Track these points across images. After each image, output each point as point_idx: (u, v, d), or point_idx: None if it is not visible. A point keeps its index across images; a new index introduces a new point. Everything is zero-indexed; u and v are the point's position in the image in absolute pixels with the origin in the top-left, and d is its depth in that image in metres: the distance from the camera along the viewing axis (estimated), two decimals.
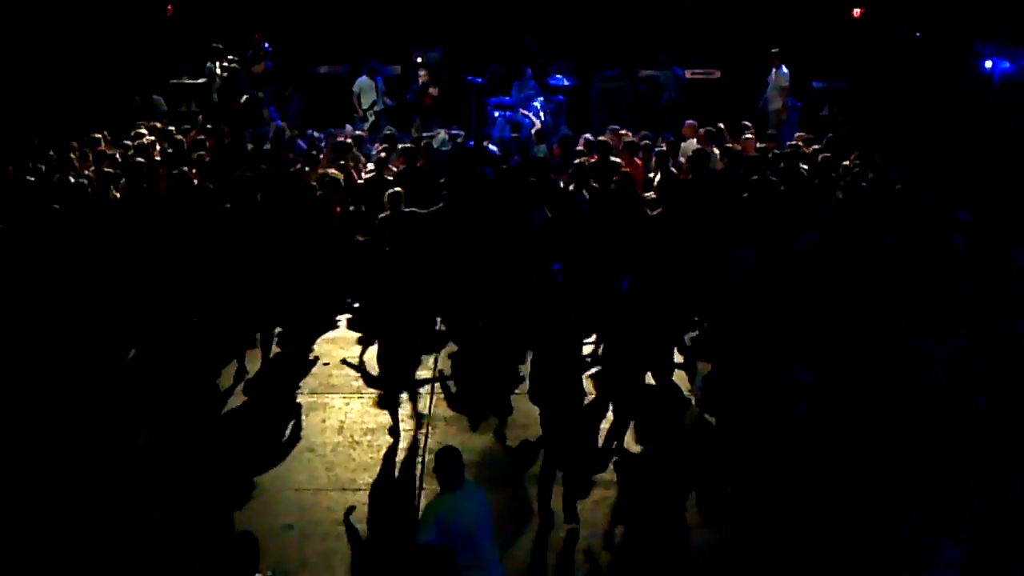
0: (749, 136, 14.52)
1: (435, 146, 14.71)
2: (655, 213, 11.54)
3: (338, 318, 12.26)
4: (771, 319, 9.60)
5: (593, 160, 13.09)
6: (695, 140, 14.52)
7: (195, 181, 12.33)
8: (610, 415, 9.75)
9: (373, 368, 11.03)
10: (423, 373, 11.01)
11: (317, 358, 11.33)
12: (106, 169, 12.81)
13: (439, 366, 11.20)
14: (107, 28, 18.16)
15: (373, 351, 11.34)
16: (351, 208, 12.62)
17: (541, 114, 17.44)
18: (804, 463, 8.40)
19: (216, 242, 10.96)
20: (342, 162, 13.32)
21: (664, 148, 13.63)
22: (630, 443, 9.47)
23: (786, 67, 17.25)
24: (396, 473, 9.20)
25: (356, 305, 12.53)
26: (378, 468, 9.24)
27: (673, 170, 12.92)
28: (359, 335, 11.86)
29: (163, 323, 10.47)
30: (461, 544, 6.39)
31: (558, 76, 18.62)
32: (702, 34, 19.36)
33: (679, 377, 10.61)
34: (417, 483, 9.02)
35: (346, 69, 18.89)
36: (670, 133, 15.67)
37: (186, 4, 19.13)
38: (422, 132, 16.24)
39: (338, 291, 12.44)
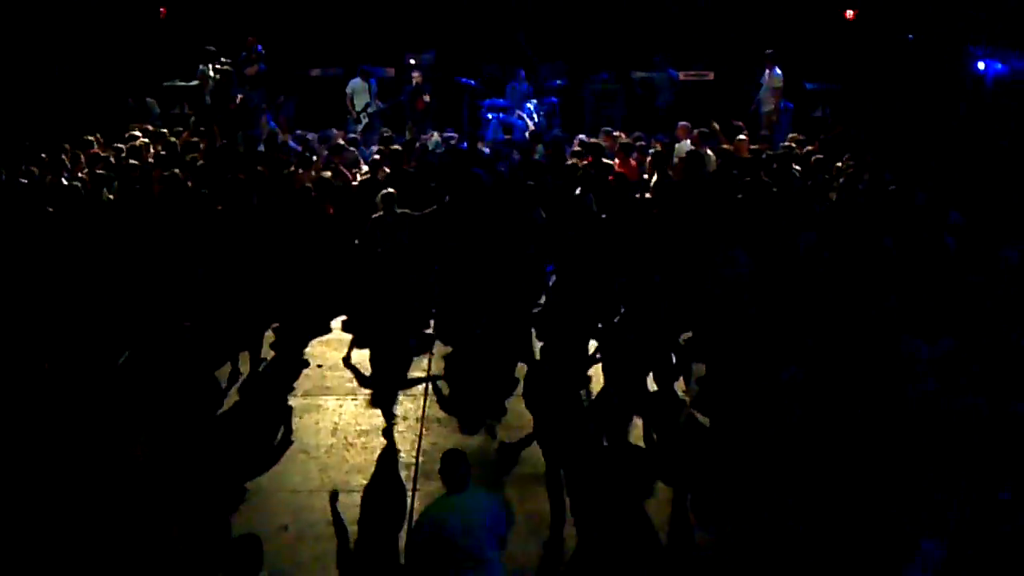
0: (742, 137, 14.55)
1: (429, 148, 14.74)
2: (651, 214, 11.56)
3: (332, 323, 12.23)
4: (766, 320, 9.61)
5: (586, 162, 13.11)
6: (689, 141, 14.54)
7: (188, 183, 12.31)
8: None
9: (367, 369, 11.01)
10: (417, 374, 11.01)
11: (308, 361, 11.31)
12: (99, 171, 12.79)
13: (432, 368, 11.19)
14: (100, 30, 18.13)
15: (367, 352, 11.33)
16: (345, 210, 12.60)
17: (534, 115, 17.46)
18: (797, 464, 8.42)
19: (209, 244, 10.95)
20: (334, 164, 13.31)
21: (660, 150, 13.65)
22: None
23: (779, 68, 17.28)
24: (390, 475, 9.19)
25: (350, 307, 12.51)
26: (372, 470, 9.24)
27: (670, 172, 12.94)
28: (353, 337, 11.84)
29: (156, 326, 10.49)
30: (455, 546, 6.36)
31: (552, 80, 18.66)
32: (696, 36, 19.38)
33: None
34: (411, 485, 9.01)
35: (339, 71, 18.90)
36: (663, 135, 15.70)
37: (179, 6, 19.12)
38: (416, 134, 16.26)
39: (332, 293, 12.42)
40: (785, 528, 8.01)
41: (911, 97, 17.37)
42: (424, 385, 10.76)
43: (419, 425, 10.00)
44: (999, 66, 16.93)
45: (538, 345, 11.19)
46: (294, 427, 9.94)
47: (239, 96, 16.68)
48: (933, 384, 8.40)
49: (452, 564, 6.40)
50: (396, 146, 13.56)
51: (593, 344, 10.93)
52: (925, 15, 18.04)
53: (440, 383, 10.85)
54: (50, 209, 11.46)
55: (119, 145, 14.37)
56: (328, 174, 12.63)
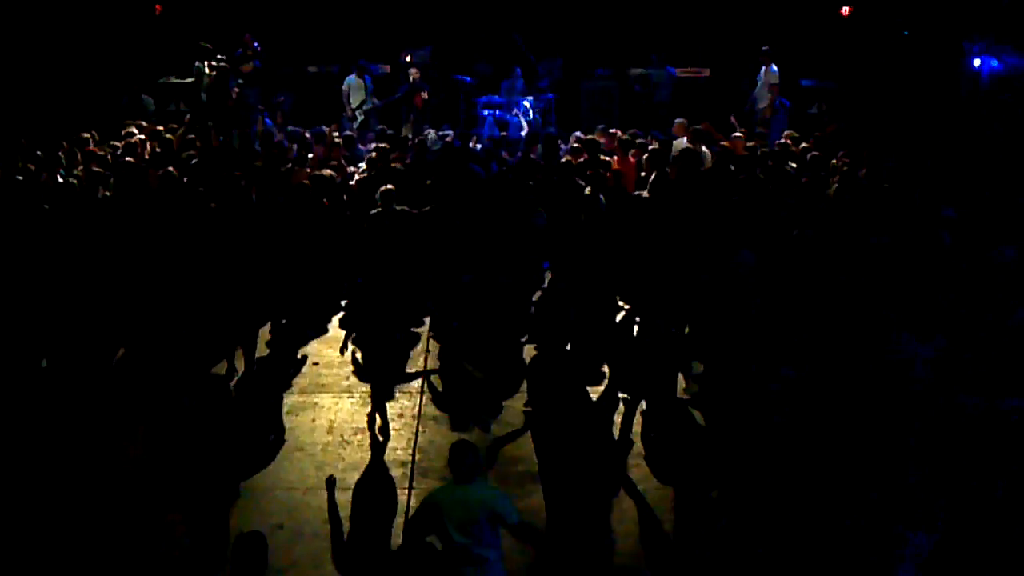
0: (738, 134, 14.55)
1: (427, 145, 14.74)
2: (647, 211, 11.56)
3: (330, 321, 12.22)
4: (765, 318, 9.62)
5: (582, 159, 13.11)
6: (685, 139, 14.55)
7: (184, 180, 12.30)
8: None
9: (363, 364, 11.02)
10: (412, 371, 11.03)
11: (306, 357, 11.31)
12: (95, 169, 12.78)
13: (428, 365, 11.20)
14: (95, 27, 18.11)
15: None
16: (342, 207, 12.59)
17: (530, 113, 17.46)
18: (793, 460, 8.44)
19: (205, 241, 10.94)
20: (334, 162, 13.30)
21: (658, 147, 13.65)
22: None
23: (775, 65, 17.28)
24: (386, 472, 9.19)
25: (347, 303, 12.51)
26: (368, 468, 9.24)
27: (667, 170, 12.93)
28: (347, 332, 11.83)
29: (151, 323, 10.50)
30: (451, 539, 6.41)
31: (543, 80, 18.66)
32: (692, 33, 19.39)
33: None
34: (407, 483, 9.01)
35: (335, 68, 18.90)
36: (659, 132, 15.72)
37: (174, 3, 19.10)
38: (414, 132, 16.25)
39: (329, 291, 12.41)
40: (777, 522, 8.04)
41: (907, 94, 17.38)
42: (420, 382, 10.76)
43: (415, 423, 9.99)
44: (994, 63, 16.95)
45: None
46: (290, 424, 9.93)
47: (234, 92, 16.66)
48: (927, 381, 8.42)
49: (449, 555, 6.46)
50: (384, 144, 13.49)
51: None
52: (920, 12, 18.06)
53: (434, 379, 10.85)
54: (46, 206, 11.44)
55: (115, 142, 14.35)
56: (328, 172, 12.59)
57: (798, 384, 8.76)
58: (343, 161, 13.75)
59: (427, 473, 9.11)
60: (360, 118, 17.45)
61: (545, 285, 12.21)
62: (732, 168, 12.84)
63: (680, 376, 10.37)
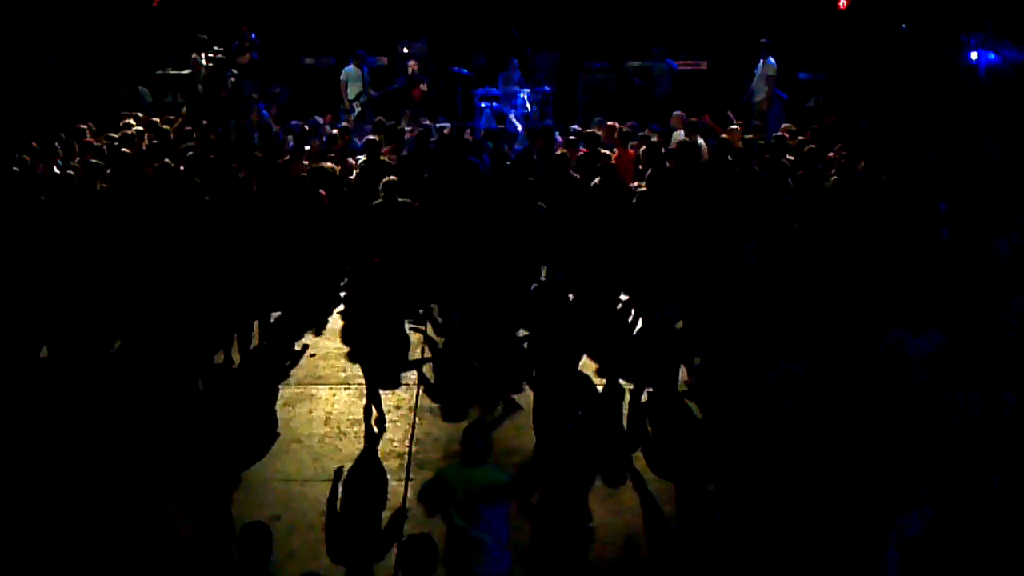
0: (735, 127, 14.54)
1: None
2: (642, 204, 11.57)
3: (327, 316, 12.21)
4: (764, 310, 9.64)
5: (580, 152, 13.11)
6: (683, 131, 14.55)
7: (181, 172, 12.30)
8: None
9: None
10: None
11: (306, 346, 11.31)
12: (92, 160, 12.76)
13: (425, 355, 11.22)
14: (92, 18, 18.07)
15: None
16: (341, 198, 12.57)
17: (528, 105, 17.44)
18: (790, 453, 8.46)
19: (203, 233, 10.94)
20: (332, 154, 13.27)
21: (657, 140, 13.65)
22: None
23: (773, 58, 17.27)
24: (383, 464, 9.20)
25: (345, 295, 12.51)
26: (365, 459, 9.25)
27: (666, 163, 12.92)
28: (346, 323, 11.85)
29: (149, 316, 10.49)
30: (453, 522, 6.54)
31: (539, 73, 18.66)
32: (690, 25, 19.36)
33: None
34: (404, 474, 9.02)
35: (332, 60, 18.88)
36: (657, 124, 15.71)
37: None
38: (410, 124, 16.22)
39: (328, 283, 12.40)
40: (773, 514, 8.08)
41: (904, 87, 17.37)
42: (417, 374, 10.77)
43: (412, 414, 10.00)
44: (992, 56, 16.95)
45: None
46: (287, 416, 9.94)
47: (230, 84, 16.67)
48: (923, 376, 8.44)
49: (449, 536, 6.58)
50: (374, 136, 13.47)
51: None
52: (918, 5, 18.05)
53: (426, 370, 10.85)
54: (42, 198, 11.43)
55: (112, 134, 14.33)
56: (329, 165, 12.55)
57: (799, 378, 8.76)
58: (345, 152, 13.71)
59: (424, 465, 9.12)
60: (357, 110, 17.43)
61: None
62: (729, 160, 12.83)
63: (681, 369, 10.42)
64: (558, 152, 13.06)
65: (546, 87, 18.14)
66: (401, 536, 8.07)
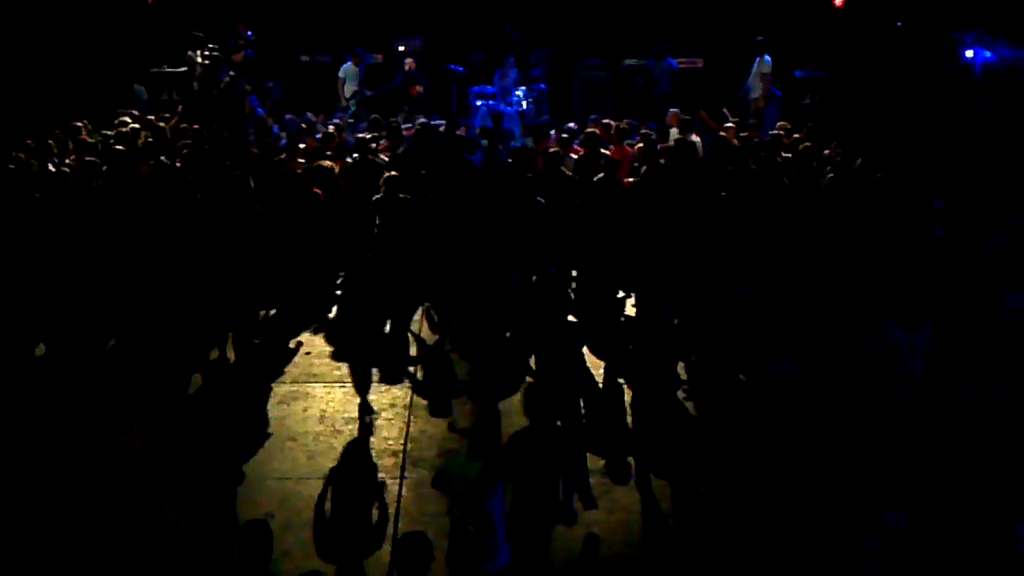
0: (730, 125, 14.54)
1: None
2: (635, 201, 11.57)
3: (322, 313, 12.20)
4: (760, 307, 9.64)
5: (575, 150, 13.12)
6: (677, 129, 14.55)
7: (177, 169, 12.28)
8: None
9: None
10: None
11: (300, 343, 11.30)
12: (87, 158, 12.73)
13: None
14: (87, 15, 18.04)
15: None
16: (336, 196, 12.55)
17: (523, 103, 17.43)
18: (786, 453, 8.48)
19: (196, 230, 10.93)
20: (330, 152, 13.25)
21: (652, 137, 13.65)
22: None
23: (769, 56, 17.27)
24: (378, 461, 9.20)
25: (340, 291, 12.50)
26: (360, 457, 9.25)
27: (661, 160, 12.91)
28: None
29: (144, 313, 10.49)
30: (454, 509, 6.65)
31: (536, 70, 18.63)
32: (685, 23, 19.36)
33: None
34: (399, 472, 9.02)
35: (327, 58, 18.87)
36: (654, 123, 15.71)
37: None
38: (406, 122, 16.21)
39: (323, 281, 12.39)
40: (765, 510, 8.10)
41: (900, 85, 17.38)
42: (412, 371, 10.77)
43: (407, 412, 10.00)
44: (987, 54, 16.95)
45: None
46: (281, 414, 9.94)
47: (225, 82, 16.66)
48: (916, 372, 8.46)
49: (454, 530, 6.69)
50: (364, 134, 13.47)
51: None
52: (914, 3, 18.05)
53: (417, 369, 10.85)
54: (38, 195, 11.42)
55: (107, 132, 14.31)
56: (327, 163, 12.52)
57: (796, 376, 8.78)
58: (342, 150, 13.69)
59: (418, 462, 9.12)
60: (352, 108, 17.42)
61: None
62: (724, 158, 12.83)
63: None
64: (551, 150, 13.02)
65: (542, 85, 18.13)
66: (395, 534, 8.07)
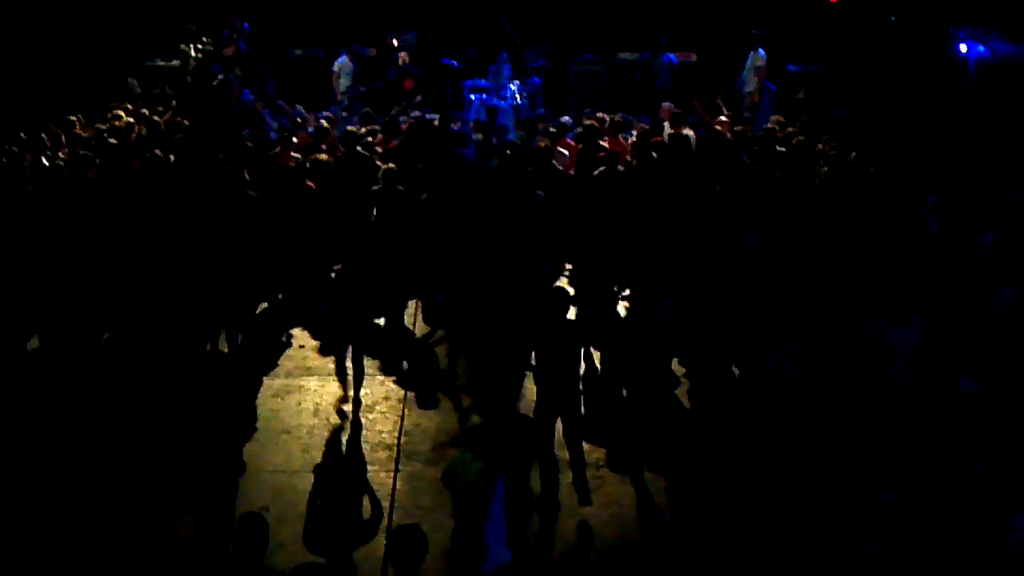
0: (724, 119, 14.55)
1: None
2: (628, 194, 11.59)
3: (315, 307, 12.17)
4: (755, 301, 9.65)
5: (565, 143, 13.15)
6: (668, 123, 14.54)
7: (171, 163, 12.27)
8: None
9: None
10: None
11: (291, 336, 11.29)
12: (81, 152, 12.70)
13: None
14: (81, 9, 17.99)
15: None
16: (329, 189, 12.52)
17: (517, 97, 17.41)
18: (780, 446, 8.49)
19: (189, 224, 10.91)
20: (324, 146, 13.23)
21: (647, 131, 13.67)
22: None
23: (763, 50, 17.28)
24: (372, 455, 9.20)
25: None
26: (354, 450, 9.25)
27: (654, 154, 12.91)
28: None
29: (137, 307, 10.47)
30: (455, 508, 6.68)
31: (534, 61, 18.60)
32: (680, 17, 19.34)
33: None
34: (393, 465, 9.03)
35: (320, 52, 18.85)
36: (647, 117, 15.73)
37: None
38: (402, 116, 16.19)
39: (317, 274, 12.37)
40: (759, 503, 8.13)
41: (893, 80, 17.39)
42: (406, 366, 10.77)
43: (401, 406, 10.01)
44: (981, 49, 16.95)
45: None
46: (276, 407, 9.94)
47: (218, 77, 16.64)
48: (907, 366, 8.49)
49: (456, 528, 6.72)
50: (352, 128, 13.47)
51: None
52: None
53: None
54: (29, 189, 11.40)
55: (100, 125, 14.27)
56: (324, 156, 12.49)
57: (789, 369, 8.80)
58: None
59: (412, 456, 9.14)
60: (346, 102, 17.41)
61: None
62: (717, 152, 12.85)
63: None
64: (541, 144, 13.02)
65: (536, 79, 18.11)
66: (389, 527, 8.08)
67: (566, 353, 8.38)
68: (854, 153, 12.94)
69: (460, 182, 12.30)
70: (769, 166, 12.44)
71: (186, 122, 14.58)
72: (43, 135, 13.21)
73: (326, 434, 9.49)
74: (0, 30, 16.92)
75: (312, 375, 10.53)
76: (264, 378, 10.47)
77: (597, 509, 8.42)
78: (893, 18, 18.21)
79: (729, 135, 13.81)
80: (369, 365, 10.34)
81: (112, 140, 12.85)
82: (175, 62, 17.89)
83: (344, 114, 16.61)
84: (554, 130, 14.01)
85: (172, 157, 12.54)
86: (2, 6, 17.05)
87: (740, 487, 8.44)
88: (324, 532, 8.09)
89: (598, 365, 10.44)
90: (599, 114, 14.88)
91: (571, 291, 11.01)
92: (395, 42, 18.36)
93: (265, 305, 11.71)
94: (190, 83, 17.19)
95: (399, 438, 9.44)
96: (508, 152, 12.97)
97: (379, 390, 10.25)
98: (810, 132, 14.04)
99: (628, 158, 13.10)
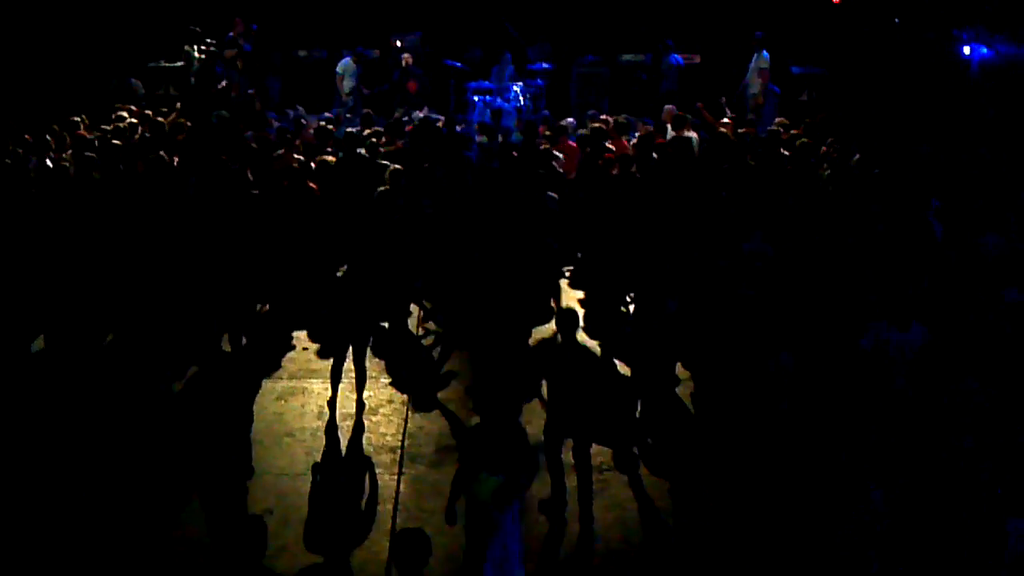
0: (727, 121, 14.54)
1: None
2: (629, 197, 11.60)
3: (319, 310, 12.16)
4: (758, 304, 9.65)
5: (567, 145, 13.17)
6: (671, 126, 14.53)
7: (174, 164, 12.28)
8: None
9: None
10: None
11: (290, 337, 11.29)
12: (86, 154, 12.71)
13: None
14: (84, 10, 18.00)
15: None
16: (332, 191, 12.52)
17: (521, 98, 17.41)
18: (783, 449, 8.50)
19: (193, 226, 10.92)
20: (329, 149, 13.24)
21: (649, 132, 13.66)
22: None
23: (767, 51, 17.27)
24: (376, 458, 9.20)
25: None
26: (357, 453, 9.25)
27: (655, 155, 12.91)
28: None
29: (140, 309, 10.48)
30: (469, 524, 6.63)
31: (538, 63, 18.61)
32: (683, 18, 19.33)
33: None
34: (396, 468, 9.03)
35: (323, 53, 18.85)
36: (650, 118, 15.72)
37: None
38: (406, 118, 16.20)
39: (321, 277, 12.37)
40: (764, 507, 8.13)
41: (897, 82, 17.38)
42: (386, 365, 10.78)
43: (405, 408, 10.01)
44: (985, 50, 16.94)
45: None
46: (280, 410, 9.94)
47: (224, 80, 16.66)
48: (909, 371, 8.48)
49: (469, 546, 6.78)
50: (351, 129, 13.50)
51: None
52: None
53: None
54: (33, 190, 11.41)
55: (105, 127, 14.29)
56: (331, 158, 12.49)
57: (792, 372, 8.80)
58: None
59: (416, 459, 9.14)
60: (351, 103, 17.41)
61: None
62: (721, 155, 12.85)
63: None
64: (542, 147, 13.02)
65: (539, 80, 18.12)
66: (393, 530, 8.09)
67: (578, 375, 8.28)
68: (858, 155, 12.94)
69: (464, 184, 12.31)
70: (773, 168, 12.44)
71: (189, 123, 14.60)
72: (47, 136, 13.22)
73: (330, 437, 9.48)
74: (4, 32, 16.93)
75: (316, 377, 10.52)
76: (268, 380, 10.46)
77: (601, 512, 8.41)
78: (897, 20, 18.20)
79: (732, 137, 13.80)
80: (372, 368, 10.35)
81: (116, 141, 12.85)
82: (179, 63, 17.90)
83: (348, 115, 16.60)
84: (549, 132, 14.01)
85: (176, 158, 12.55)
86: (6, 8, 17.06)
87: (744, 490, 8.44)
88: (327, 535, 8.09)
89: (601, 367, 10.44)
90: (602, 116, 14.88)
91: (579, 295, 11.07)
92: (399, 43, 18.36)
93: (268, 307, 11.69)
94: (194, 84, 17.20)
95: (403, 441, 9.44)
96: (515, 154, 12.96)
97: (383, 393, 10.25)
98: (814, 134, 14.03)
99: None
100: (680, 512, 8.48)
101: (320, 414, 9.85)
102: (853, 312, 9.41)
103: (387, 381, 10.50)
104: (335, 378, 9.86)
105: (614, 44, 19.34)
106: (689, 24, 19.33)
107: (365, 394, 9.99)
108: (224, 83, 16.70)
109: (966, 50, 17.03)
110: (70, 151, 13.07)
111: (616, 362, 10.39)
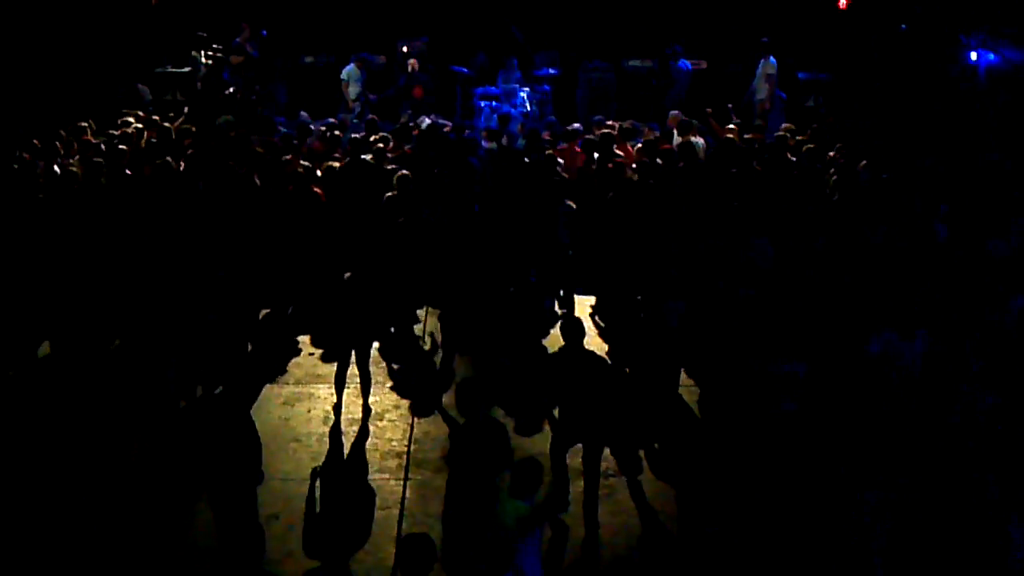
0: (733, 127, 14.54)
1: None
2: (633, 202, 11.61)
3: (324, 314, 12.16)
4: (764, 310, 9.64)
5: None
6: (676, 131, 14.53)
7: (180, 169, 12.30)
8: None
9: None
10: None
11: (298, 343, 11.30)
12: (94, 159, 12.74)
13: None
14: (91, 16, 18.04)
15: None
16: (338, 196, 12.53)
17: (527, 104, 17.42)
18: (789, 454, 8.49)
19: (200, 231, 10.94)
20: (337, 154, 13.25)
21: (656, 138, 13.67)
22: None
23: (773, 57, 17.27)
24: (382, 463, 9.20)
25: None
26: (363, 458, 9.25)
27: (659, 160, 12.91)
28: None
29: (148, 314, 10.47)
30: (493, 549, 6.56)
31: (544, 69, 18.61)
32: (690, 24, 19.33)
33: None
34: (403, 474, 9.02)
35: (331, 59, 18.87)
36: (656, 124, 15.71)
37: None
38: (412, 123, 16.21)
39: (326, 282, 12.37)
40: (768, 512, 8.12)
41: (904, 87, 17.37)
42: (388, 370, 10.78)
43: (411, 414, 10.01)
44: (991, 56, 16.92)
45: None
46: (285, 415, 9.94)
47: (231, 86, 16.70)
48: (914, 376, 8.48)
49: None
50: (357, 135, 13.54)
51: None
52: (918, 5, 18.03)
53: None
54: (41, 196, 11.43)
55: (112, 132, 14.31)
56: (337, 164, 12.49)
57: (799, 378, 8.80)
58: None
59: (422, 464, 9.14)
60: (357, 109, 17.43)
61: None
62: (728, 160, 12.84)
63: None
64: (547, 153, 13.02)
65: (546, 86, 18.12)
66: (398, 535, 8.09)
67: (587, 381, 8.27)
68: (864, 161, 12.93)
69: (471, 190, 12.31)
70: (780, 174, 12.43)
71: (195, 129, 14.63)
72: (55, 142, 13.25)
73: (336, 442, 9.48)
74: (11, 37, 16.98)
75: (322, 382, 10.52)
76: (274, 385, 10.47)
77: (607, 518, 8.41)
78: (903, 26, 18.19)
79: (738, 142, 13.80)
80: (377, 373, 10.35)
81: (123, 147, 12.89)
82: (186, 69, 17.94)
83: (355, 121, 16.61)
84: (550, 137, 14.01)
85: (182, 164, 12.57)
86: (13, 13, 17.10)
87: (749, 495, 8.43)
88: (333, 540, 8.09)
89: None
90: (608, 122, 14.88)
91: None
92: (406, 49, 18.37)
93: (272, 311, 11.70)
94: (200, 90, 17.23)
95: (409, 446, 9.44)
96: (525, 160, 12.97)
97: (388, 398, 10.25)
98: (821, 140, 14.02)
99: (634, 166, 13.12)
100: (685, 517, 8.46)
101: (326, 419, 9.85)
102: (860, 318, 9.39)
103: (392, 385, 10.49)
104: (339, 383, 9.88)
105: (620, 49, 19.34)
106: (696, 30, 19.33)
107: (371, 399, 9.99)
108: (231, 89, 16.72)
109: (973, 56, 17.01)
110: (77, 156, 13.10)
111: (624, 367, 10.38)
